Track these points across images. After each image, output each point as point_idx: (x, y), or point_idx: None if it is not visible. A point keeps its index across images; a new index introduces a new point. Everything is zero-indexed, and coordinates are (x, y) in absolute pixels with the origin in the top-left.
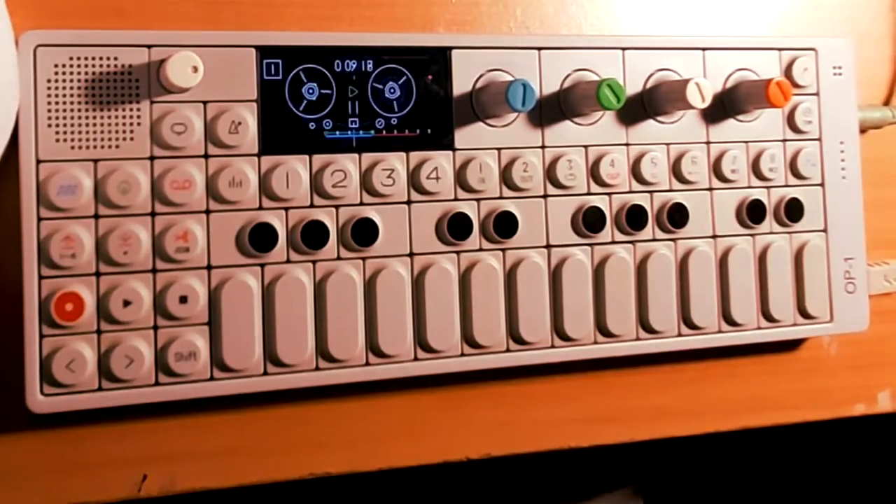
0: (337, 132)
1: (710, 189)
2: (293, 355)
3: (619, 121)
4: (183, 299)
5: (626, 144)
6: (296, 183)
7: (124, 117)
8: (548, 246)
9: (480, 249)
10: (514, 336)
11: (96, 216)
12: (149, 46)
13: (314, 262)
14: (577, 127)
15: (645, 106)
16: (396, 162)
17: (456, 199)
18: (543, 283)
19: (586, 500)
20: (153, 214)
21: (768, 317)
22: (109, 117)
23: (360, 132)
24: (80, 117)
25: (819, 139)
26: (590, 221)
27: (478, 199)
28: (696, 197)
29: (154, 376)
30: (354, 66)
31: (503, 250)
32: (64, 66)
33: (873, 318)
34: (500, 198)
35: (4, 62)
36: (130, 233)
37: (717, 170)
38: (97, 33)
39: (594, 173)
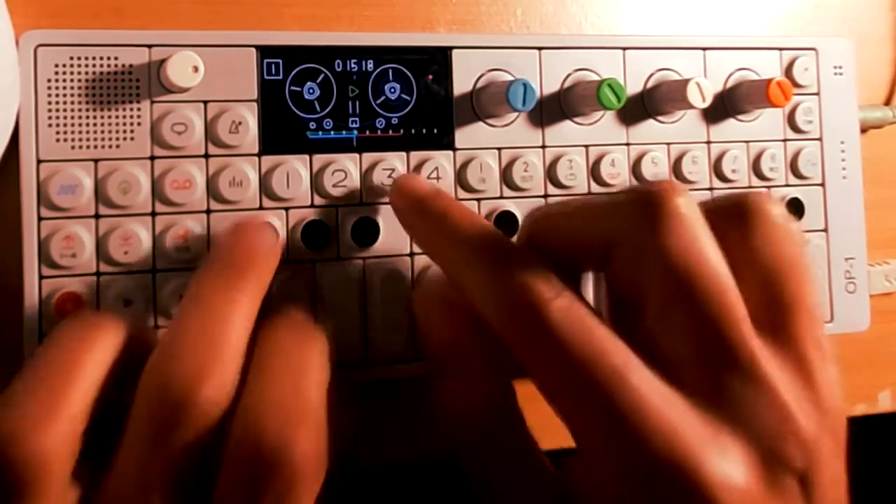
0: (337, 132)
1: (711, 189)
2: None
3: (619, 120)
4: None
5: (627, 144)
6: (296, 183)
7: (125, 117)
8: None
9: None
10: None
11: (97, 216)
12: (149, 46)
13: (314, 261)
14: (577, 127)
15: (645, 106)
16: (397, 162)
17: (456, 199)
18: None
19: None
20: (154, 214)
21: None
22: (110, 117)
23: (361, 132)
24: (80, 117)
25: (820, 139)
26: None
27: (478, 199)
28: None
29: None
30: (355, 65)
31: None
32: (64, 65)
33: (874, 317)
34: (501, 197)
35: (5, 62)
36: (131, 232)
37: (717, 169)
38: (98, 33)
39: (595, 173)
